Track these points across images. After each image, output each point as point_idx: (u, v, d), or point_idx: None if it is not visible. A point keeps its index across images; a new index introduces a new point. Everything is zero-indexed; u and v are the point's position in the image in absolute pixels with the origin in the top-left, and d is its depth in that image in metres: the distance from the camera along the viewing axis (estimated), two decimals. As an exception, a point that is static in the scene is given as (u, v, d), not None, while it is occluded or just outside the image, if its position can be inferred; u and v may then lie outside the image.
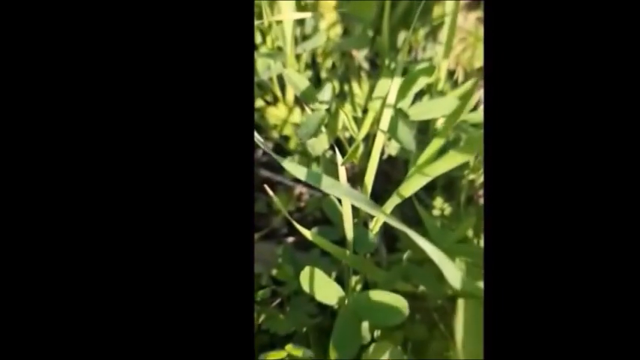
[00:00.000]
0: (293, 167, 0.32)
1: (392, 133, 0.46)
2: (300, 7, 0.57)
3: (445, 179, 0.66)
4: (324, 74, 0.74)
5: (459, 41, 0.84)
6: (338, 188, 0.30)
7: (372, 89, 0.72)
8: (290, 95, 0.59)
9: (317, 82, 0.77)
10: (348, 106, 0.60)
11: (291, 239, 0.63)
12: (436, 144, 0.34)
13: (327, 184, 0.30)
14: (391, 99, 0.44)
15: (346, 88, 0.62)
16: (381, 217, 0.30)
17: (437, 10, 0.76)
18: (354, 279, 0.53)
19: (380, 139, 0.46)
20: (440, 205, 0.63)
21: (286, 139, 0.61)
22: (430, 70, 0.45)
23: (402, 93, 0.47)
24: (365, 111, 0.61)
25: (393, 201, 0.40)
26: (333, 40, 0.64)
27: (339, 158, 0.48)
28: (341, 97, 0.61)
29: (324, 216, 0.67)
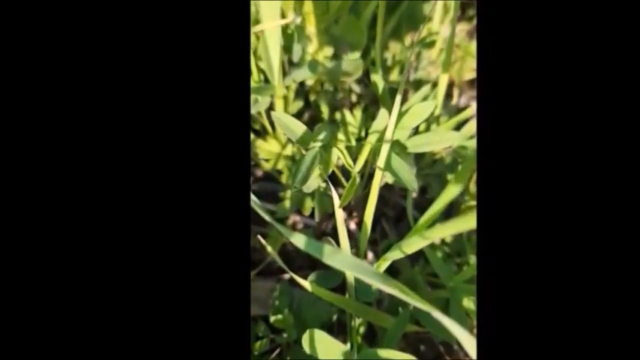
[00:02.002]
0: (295, 238, 0.28)
1: (391, 171, 0.42)
2: (286, 34, 0.53)
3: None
4: (312, 97, 0.70)
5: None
6: (343, 260, 0.26)
7: (364, 110, 0.68)
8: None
9: (306, 105, 0.73)
10: (341, 135, 0.56)
11: (287, 275, 0.59)
12: (448, 194, 0.30)
13: (329, 255, 0.26)
14: (389, 134, 0.41)
15: (338, 115, 0.57)
16: (391, 290, 0.26)
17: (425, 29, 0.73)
18: (357, 321, 0.49)
19: (378, 178, 0.43)
20: (440, 232, 0.59)
21: (279, 172, 0.57)
22: (429, 106, 0.41)
23: (400, 128, 0.43)
24: (359, 139, 0.57)
25: (394, 255, 0.36)
26: (323, 64, 0.60)
27: (335, 195, 0.44)
28: (332, 124, 0.56)
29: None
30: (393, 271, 0.59)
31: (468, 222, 0.27)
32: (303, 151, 0.43)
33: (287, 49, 0.53)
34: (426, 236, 0.30)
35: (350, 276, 0.44)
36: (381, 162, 0.42)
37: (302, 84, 0.72)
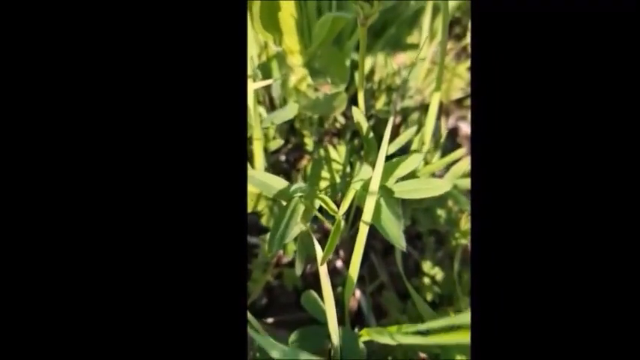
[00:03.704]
0: (274, 352, 0.23)
1: (378, 224, 0.38)
2: (265, 68, 0.48)
3: (435, 236, 0.58)
4: (297, 124, 0.66)
5: (434, 75, 0.77)
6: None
7: (350, 140, 0.64)
8: (259, 163, 0.50)
9: (291, 130, 0.68)
10: (325, 173, 0.52)
11: (270, 319, 0.55)
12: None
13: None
14: (374, 187, 0.36)
15: (322, 151, 0.53)
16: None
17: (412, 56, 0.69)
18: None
19: (363, 233, 0.38)
20: (429, 269, 0.55)
21: (259, 214, 0.52)
22: (417, 158, 0.37)
23: (385, 177, 0.39)
24: (343, 177, 0.53)
25: (381, 338, 0.32)
26: (305, 94, 0.56)
27: (317, 247, 0.40)
28: (317, 158, 0.52)
29: (307, 285, 0.58)
30: (379, 312, 0.54)
31: (462, 319, 0.23)
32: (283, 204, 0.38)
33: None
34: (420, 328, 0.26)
35: (334, 335, 0.39)
36: (367, 215, 0.37)
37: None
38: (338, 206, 0.41)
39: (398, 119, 0.68)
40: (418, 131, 0.45)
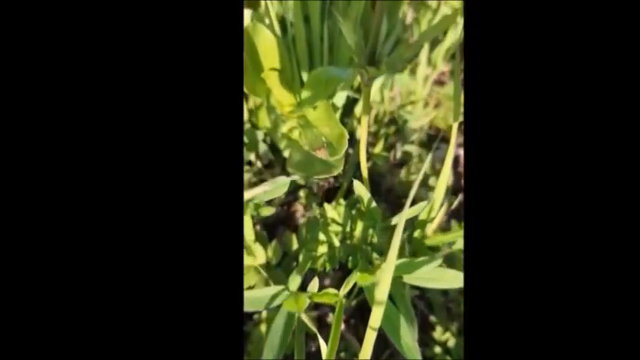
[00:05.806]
0: None
1: (386, 329, 0.31)
2: (250, 135, 0.41)
3: (441, 298, 0.51)
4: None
5: (433, 103, 0.70)
6: None
7: (347, 194, 0.57)
8: (249, 235, 0.43)
9: (283, 170, 0.61)
10: (322, 236, 0.45)
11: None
12: None
13: None
14: (382, 296, 0.30)
15: (317, 211, 0.46)
16: None
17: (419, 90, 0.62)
18: None
19: (371, 338, 0.32)
20: (440, 335, 0.49)
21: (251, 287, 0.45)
22: (432, 264, 0.30)
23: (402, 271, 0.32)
24: (343, 240, 0.46)
25: None
26: (297, 145, 0.49)
27: (323, 347, 0.34)
28: (312, 223, 0.45)
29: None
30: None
31: None
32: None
33: (251, 146, 0.41)
34: None
35: None
36: (374, 322, 0.31)
37: (278, 152, 0.60)
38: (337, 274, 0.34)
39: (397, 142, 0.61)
40: (429, 201, 0.39)
